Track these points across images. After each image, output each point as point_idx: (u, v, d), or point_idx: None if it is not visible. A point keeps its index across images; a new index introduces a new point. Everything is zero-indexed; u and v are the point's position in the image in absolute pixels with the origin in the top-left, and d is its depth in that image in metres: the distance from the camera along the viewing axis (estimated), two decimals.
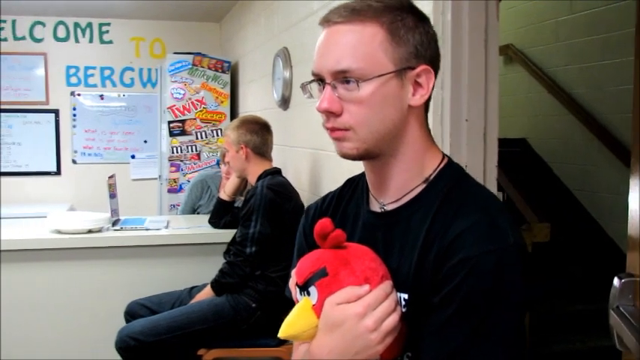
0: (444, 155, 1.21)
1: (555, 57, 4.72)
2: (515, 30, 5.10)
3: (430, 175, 1.16)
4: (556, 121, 4.73)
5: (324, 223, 1.08)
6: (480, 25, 1.91)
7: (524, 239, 1.08)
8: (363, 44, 1.08)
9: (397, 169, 1.16)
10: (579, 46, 4.47)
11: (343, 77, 1.09)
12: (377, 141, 1.11)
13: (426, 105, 1.18)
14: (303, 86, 1.22)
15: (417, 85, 1.12)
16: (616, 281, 1.29)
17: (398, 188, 1.17)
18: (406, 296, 1.09)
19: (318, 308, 1.06)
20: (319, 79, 1.14)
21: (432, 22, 1.90)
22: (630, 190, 1.29)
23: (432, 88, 1.14)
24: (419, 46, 1.11)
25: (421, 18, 1.15)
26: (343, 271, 1.06)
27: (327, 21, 1.13)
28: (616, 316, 1.24)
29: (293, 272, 1.14)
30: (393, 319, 1.04)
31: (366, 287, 1.04)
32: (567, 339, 3.52)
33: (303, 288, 1.09)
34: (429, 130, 1.20)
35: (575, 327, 3.57)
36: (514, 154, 4.60)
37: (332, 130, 1.13)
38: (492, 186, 1.94)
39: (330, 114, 1.11)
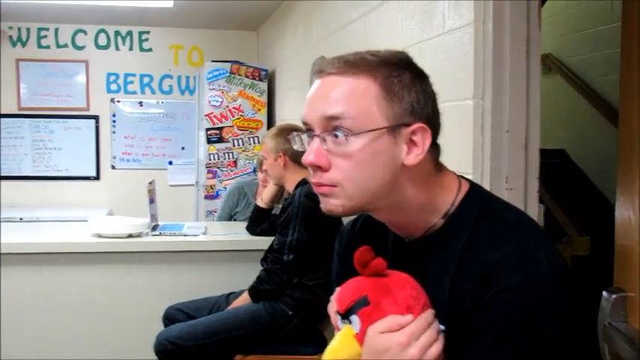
0: (460, 182, 1.17)
1: (594, 66, 4.65)
2: (554, 39, 5.04)
3: (449, 210, 1.13)
4: (595, 132, 4.66)
5: (363, 252, 1.07)
6: (522, 34, 1.89)
7: (563, 256, 1.06)
8: (356, 96, 1.06)
9: (403, 217, 1.14)
10: (619, 55, 4.41)
11: (333, 128, 1.06)
12: (367, 198, 1.08)
13: (436, 152, 1.14)
14: (293, 137, 1.19)
15: (411, 143, 1.08)
16: (606, 296, 1.24)
17: (416, 227, 1.15)
18: (443, 327, 1.08)
19: (360, 337, 1.06)
20: (309, 129, 1.11)
21: (472, 31, 1.93)
22: (617, 202, 1.26)
23: (432, 146, 1.10)
24: (415, 104, 1.07)
25: (419, 75, 1.11)
26: (385, 300, 1.05)
27: (320, 71, 1.11)
28: (609, 332, 1.21)
29: (332, 298, 1.13)
30: (437, 347, 1.03)
31: (409, 317, 1.04)
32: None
33: (345, 316, 1.08)
34: (437, 172, 1.15)
35: None
36: (553, 165, 4.52)
37: (318, 185, 1.10)
38: (533, 198, 1.92)
39: (317, 168, 1.09)
